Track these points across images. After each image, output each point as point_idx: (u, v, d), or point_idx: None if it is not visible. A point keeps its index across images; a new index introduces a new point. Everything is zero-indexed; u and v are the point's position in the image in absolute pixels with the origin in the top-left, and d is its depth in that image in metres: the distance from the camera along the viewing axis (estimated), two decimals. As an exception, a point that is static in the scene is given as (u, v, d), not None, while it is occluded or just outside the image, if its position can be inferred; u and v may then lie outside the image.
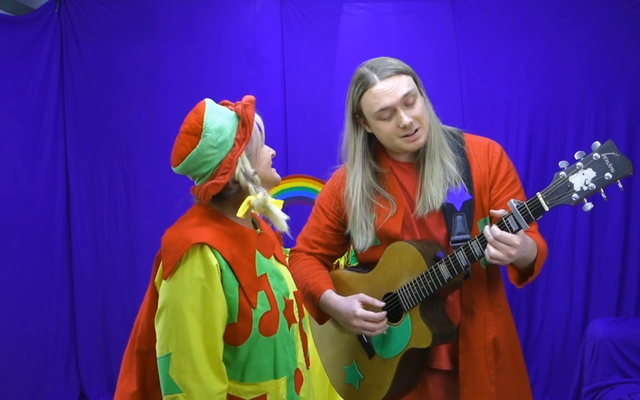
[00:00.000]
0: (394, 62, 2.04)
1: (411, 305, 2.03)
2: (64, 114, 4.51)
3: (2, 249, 4.15)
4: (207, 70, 4.43)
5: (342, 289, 2.17)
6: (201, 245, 1.64)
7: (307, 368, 1.87)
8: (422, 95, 2.06)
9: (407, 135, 2.02)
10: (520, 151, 4.17)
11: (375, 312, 2.04)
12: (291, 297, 1.81)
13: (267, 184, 1.78)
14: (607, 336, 3.83)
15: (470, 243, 1.93)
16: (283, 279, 1.80)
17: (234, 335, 1.67)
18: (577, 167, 1.78)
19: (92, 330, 4.55)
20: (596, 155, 1.76)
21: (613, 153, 1.74)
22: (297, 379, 1.79)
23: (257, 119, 1.76)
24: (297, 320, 1.82)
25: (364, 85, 2.04)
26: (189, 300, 1.61)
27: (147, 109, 4.51)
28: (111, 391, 4.51)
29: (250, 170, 1.71)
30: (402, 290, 2.04)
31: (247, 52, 4.46)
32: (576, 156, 1.79)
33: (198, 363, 1.60)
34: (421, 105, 2.03)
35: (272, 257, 1.81)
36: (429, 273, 1.98)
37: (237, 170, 1.68)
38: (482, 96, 4.21)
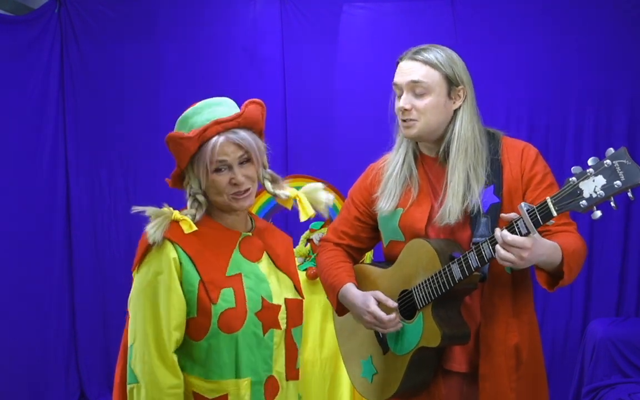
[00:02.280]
0: (431, 53, 2.06)
1: (424, 304, 2.02)
2: (64, 114, 4.51)
3: (2, 248, 4.15)
4: (207, 71, 4.42)
5: (364, 283, 2.19)
6: (167, 241, 1.71)
7: (289, 379, 1.81)
8: (449, 97, 2.05)
9: (404, 120, 2.05)
10: (520, 151, 4.17)
11: (389, 311, 2.05)
12: (277, 302, 1.78)
13: (224, 207, 1.76)
14: (607, 336, 3.83)
15: (481, 244, 1.90)
16: (266, 282, 1.78)
17: (194, 329, 1.70)
18: (588, 174, 1.73)
19: (92, 330, 4.55)
20: (607, 162, 1.71)
21: (625, 161, 1.69)
22: (268, 387, 1.76)
23: (213, 143, 1.70)
24: (282, 327, 1.78)
25: (398, 61, 2.11)
26: (146, 293, 1.69)
27: (147, 109, 4.50)
28: (111, 391, 4.50)
29: (195, 188, 1.76)
30: (416, 288, 2.04)
31: (247, 52, 4.46)
32: (589, 162, 1.74)
33: (151, 355, 1.67)
34: (430, 103, 2.02)
35: (262, 261, 1.81)
36: (442, 272, 1.97)
37: (186, 182, 1.77)
38: (481, 96, 4.18)
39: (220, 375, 1.71)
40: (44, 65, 4.40)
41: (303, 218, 1.81)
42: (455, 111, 2.07)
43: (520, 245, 1.80)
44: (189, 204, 1.77)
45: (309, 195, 1.85)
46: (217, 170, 1.72)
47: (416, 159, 2.13)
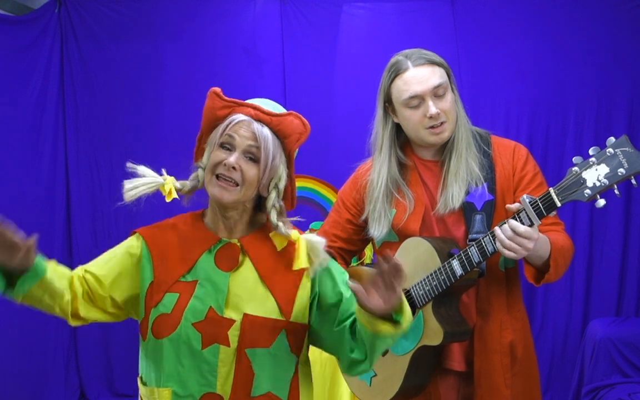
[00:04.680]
0: (429, 53, 2.04)
1: (424, 302, 2.02)
2: (64, 114, 4.52)
3: (2, 249, 4.14)
4: (207, 70, 4.43)
5: None
6: (138, 233, 1.72)
7: None
8: (453, 92, 2.06)
9: (432, 127, 2.01)
10: (520, 151, 4.17)
11: None
12: (231, 316, 1.59)
13: (208, 189, 1.65)
14: (607, 336, 3.83)
15: (482, 239, 1.91)
16: (222, 293, 1.61)
17: (142, 330, 1.65)
18: (591, 163, 1.75)
19: (92, 330, 4.54)
20: (610, 150, 1.73)
21: (627, 149, 1.71)
22: None
23: (236, 118, 1.62)
24: (232, 344, 1.58)
25: (396, 71, 2.04)
26: None
27: (147, 109, 4.51)
28: (111, 391, 4.51)
29: (203, 162, 1.67)
30: (415, 286, 2.03)
31: (247, 52, 4.47)
32: (590, 152, 1.76)
33: None
34: (451, 100, 2.03)
35: (238, 271, 1.64)
36: (442, 269, 1.97)
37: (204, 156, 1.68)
38: (482, 96, 4.21)
39: (151, 380, 1.64)
40: (44, 65, 4.40)
41: (295, 267, 1.65)
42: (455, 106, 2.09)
43: (528, 236, 1.81)
44: (191, 176, 1.70)
45: (309, 244, 1.66)
46: (222, 146, 1.62)
47: (402, 169, 2.11)
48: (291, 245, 1.67)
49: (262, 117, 1.63)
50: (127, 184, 1.68)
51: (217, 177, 1.61)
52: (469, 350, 2.06)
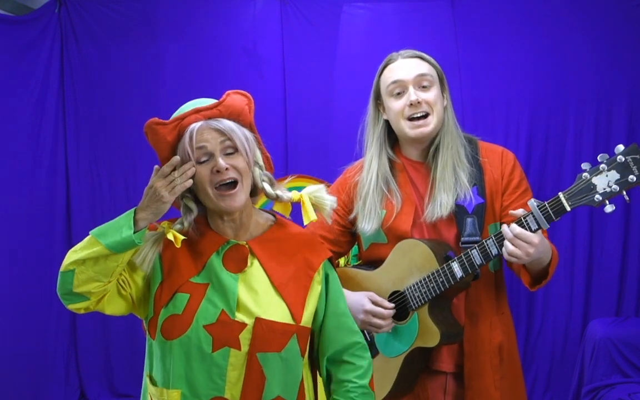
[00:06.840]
0: (423, 53, 2.09)
1: (419, 304, 2.02)
2: (64, 114, 4.52)
3: (3, 248, 4.15)
4: (207, 71, 4.43)
5: (349, 286, 2.16)
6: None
7: None
8: (443, 95, 2.08)
9: (413, 119, 2.02)
10: (520, 151, 4.16)
11: (384, 313, 2.04)
12: (243, 319, 1.60)
13: (213, 206, 1.64)
14: (607, 336, 3.83)
15: (486, 242, 1.93)
16: (234, 294, 1.61)
17: (151, 328, 1.65)
18: (601, 169, 1.79)
19: (92, 330, 4.55)
20: (620, 157, 1.77)
21: (637, 156, 1.76)
22: None
23: (191, 129, 1.61)
24: (243, 348, 1.59)
25: (386, 63, 2.11)
26: None
27: (146, 109, 4.49)
28: (111, 391, 4.50)
29: (184, 191, 1.65)
30: (410, 288, 2.03)
31: (247, 52, 4.47)
32: (599, 158, 1.80)
33: None
34: (436, 95, 2.04)
35: (246, 272, 1.64)
36: (441, 271, 1.97)
37: None
38: (482, 96, 4.21)
39: (159, 380, 1.64)
40: (44, 65, 4.40)
41: (306, 221, 1.68)
42: (444, 110, 2.10)
43: (528, 240, 1.83)
44: (181, 211, 1.67)
45: (313, 198, 1.69)
46: (200, 162, 1.60)
47: (392, 168, 2.12)
48: (301, 235, 1.71)
49: (209, 113, 1.63)
50: (137, 259, 1.63)
51: (216, 188, 1.61)
52: (458, 352, 2.07)
